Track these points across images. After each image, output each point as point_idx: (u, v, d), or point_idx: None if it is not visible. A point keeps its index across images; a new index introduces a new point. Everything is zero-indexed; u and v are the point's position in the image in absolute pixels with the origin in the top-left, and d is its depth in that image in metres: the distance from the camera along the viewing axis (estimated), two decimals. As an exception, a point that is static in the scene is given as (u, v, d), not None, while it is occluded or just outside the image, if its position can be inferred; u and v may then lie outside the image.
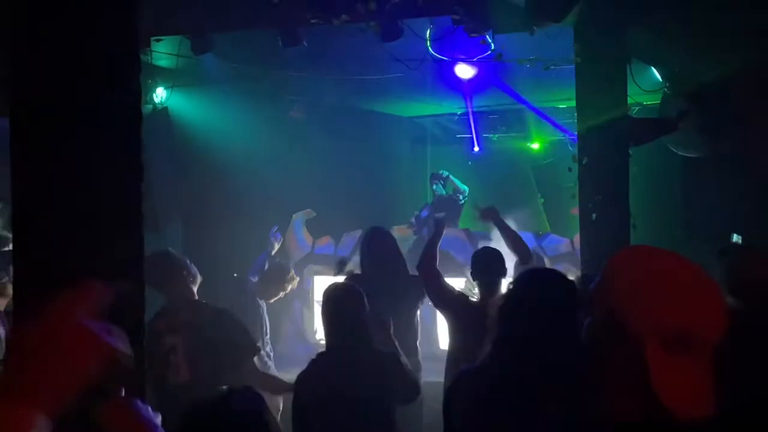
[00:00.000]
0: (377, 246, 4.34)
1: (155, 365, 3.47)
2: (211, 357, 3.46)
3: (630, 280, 1.21)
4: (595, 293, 1.27)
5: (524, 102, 7.65)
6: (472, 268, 4.05)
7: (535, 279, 2.18)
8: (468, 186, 9.00)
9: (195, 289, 3.78)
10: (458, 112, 9.03)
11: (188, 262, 3.85)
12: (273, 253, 5.52)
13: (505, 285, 4.04)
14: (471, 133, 9.41)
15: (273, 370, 4.72)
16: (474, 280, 4.06)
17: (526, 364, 1.91)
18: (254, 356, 3.66)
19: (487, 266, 3.96)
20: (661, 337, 1.13)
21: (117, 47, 2.04)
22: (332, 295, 3.10)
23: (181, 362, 3.51)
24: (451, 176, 8.53)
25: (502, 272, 3.99)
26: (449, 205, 8.25)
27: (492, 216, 3.90)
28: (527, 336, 1.96)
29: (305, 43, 5.12)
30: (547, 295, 2.02)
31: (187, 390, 3.36)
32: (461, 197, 8.49)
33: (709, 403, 1.12)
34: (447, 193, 8.34)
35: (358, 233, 7.56)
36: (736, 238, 4.60)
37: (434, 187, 8.47)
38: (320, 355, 3.07)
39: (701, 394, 1.12)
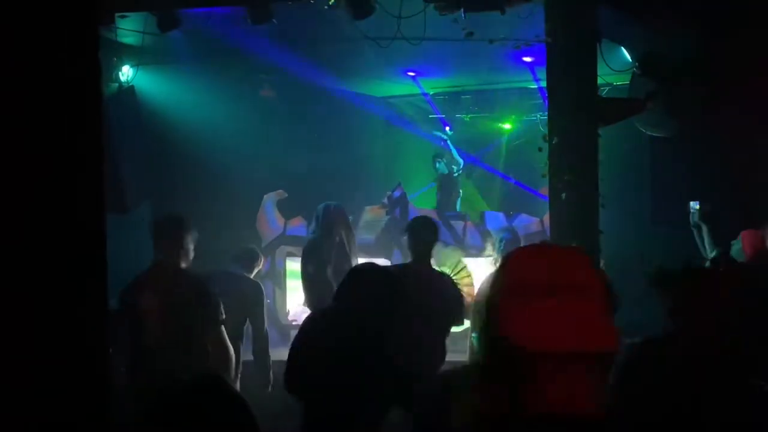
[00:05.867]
0: None
1: (132, 327, 3.61)
2: (178, 323, 3.55)
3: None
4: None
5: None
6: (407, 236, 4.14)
7: None
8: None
9: (186, 260, 3.81)
10: (430, 93, 9.00)
11: (194, 233, 3.88)
12: None
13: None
14: (443, 114, 9.42)
15: None
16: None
17: None
18: (217, 327, 3.69)
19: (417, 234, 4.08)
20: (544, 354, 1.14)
21: (71, 20, 1.97)
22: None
23: (153, 326, 3.59)
24: (449, 141, 8.69)
25: (432, 240, 4.09)
26: (451, 184, 8.49)
27: None
28: None
29: (275, 21, 5.04)
30: None
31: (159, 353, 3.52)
32: (456, 169, 8.73)
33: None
34: (447, 171, 8.64)
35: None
36: (693, 206, 4.64)
37: (437, 165, 8.67)
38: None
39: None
